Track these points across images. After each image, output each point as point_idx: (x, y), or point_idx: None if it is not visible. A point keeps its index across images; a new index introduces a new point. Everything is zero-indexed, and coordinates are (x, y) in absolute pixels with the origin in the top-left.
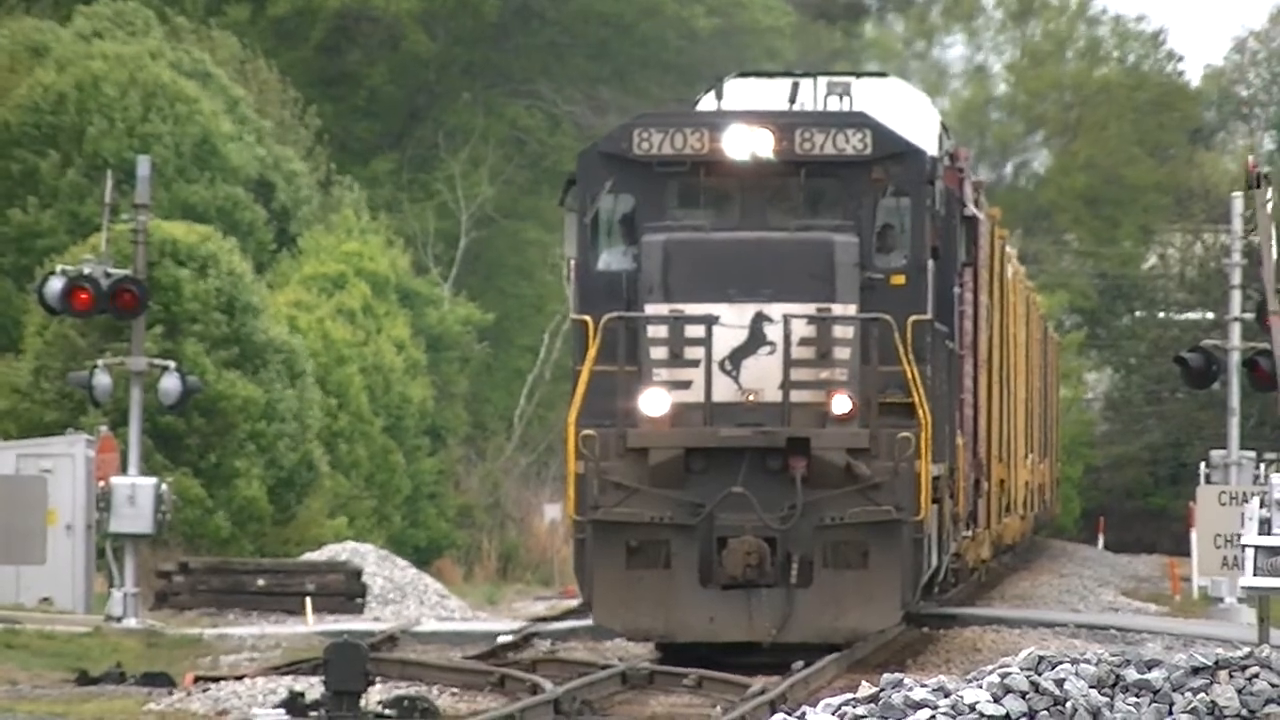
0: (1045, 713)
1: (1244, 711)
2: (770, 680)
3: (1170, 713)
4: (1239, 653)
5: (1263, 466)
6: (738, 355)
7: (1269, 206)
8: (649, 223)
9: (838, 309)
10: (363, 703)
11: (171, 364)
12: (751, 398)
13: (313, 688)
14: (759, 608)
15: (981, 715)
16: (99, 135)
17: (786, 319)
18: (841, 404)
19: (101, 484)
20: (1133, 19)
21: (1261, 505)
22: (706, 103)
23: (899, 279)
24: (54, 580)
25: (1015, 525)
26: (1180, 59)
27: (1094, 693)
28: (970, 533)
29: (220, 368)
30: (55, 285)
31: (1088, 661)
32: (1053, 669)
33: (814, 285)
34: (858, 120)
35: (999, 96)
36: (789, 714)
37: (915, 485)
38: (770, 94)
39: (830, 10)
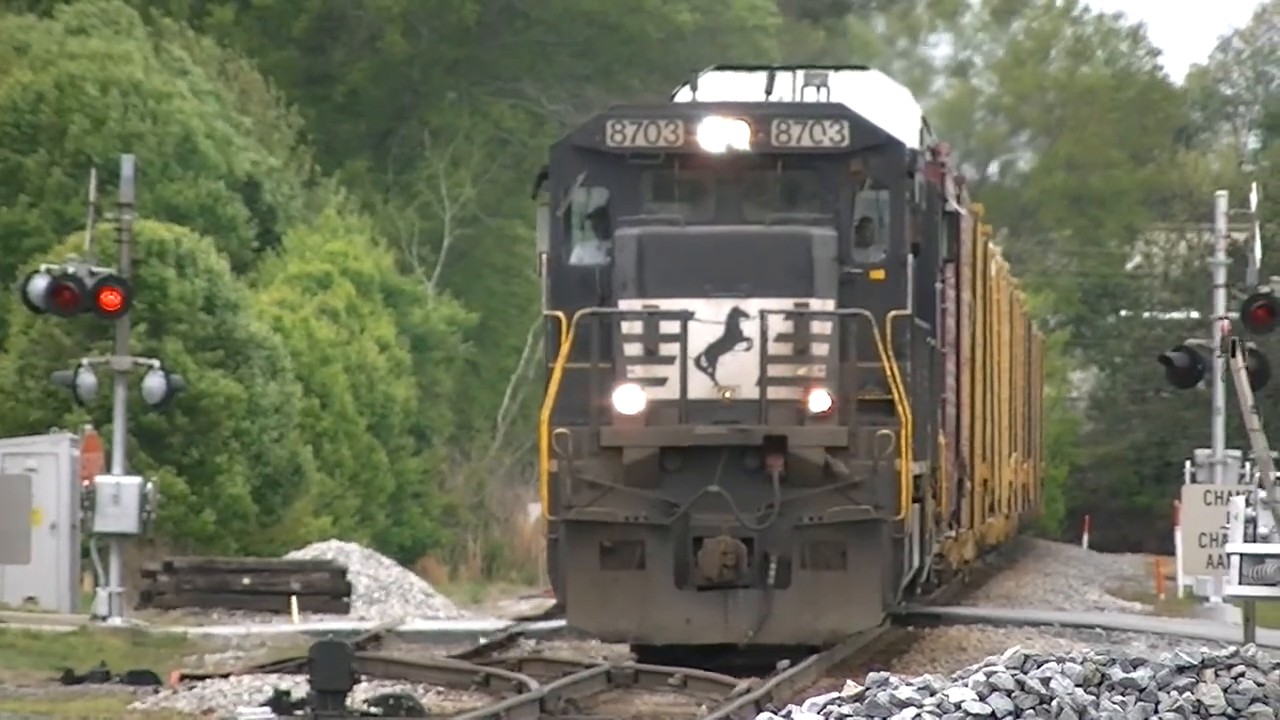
0: (1031, 711)
1: (1229, 710)
2: (754, 680)
3: (1156, 712)
4: (1224, 651)
5: (1248, 465)
6: (714, 352)
7: (1242, 373)
8: (623, 216)
9: (816, 304)
10: (348, 701)
11: (156, 363)
12: (728, 395)
13: (298, 686)
14: (736, 609)
15: (967, 714)
16: (81, 134)
17: (763, 314)
18: (820, 401)
19: (86, 483)
20: (1112, 16)
21: (1247, 504)
22: (683, 96)
23: (878, 274)
24: (39, 579)
25: (999, 525)
26: (1159, 53)
27: (1079, 691)
28: (953, 533)
29: (203, 366)
30: (39, 284)
31: (1073, 660)
32: (1038, 668)
33: (791, 280)
34: (835, 112)
35: (983, 96)
36: (774, 713)
37: (895, 484)
38: (746, 87)
39: (814, 8)
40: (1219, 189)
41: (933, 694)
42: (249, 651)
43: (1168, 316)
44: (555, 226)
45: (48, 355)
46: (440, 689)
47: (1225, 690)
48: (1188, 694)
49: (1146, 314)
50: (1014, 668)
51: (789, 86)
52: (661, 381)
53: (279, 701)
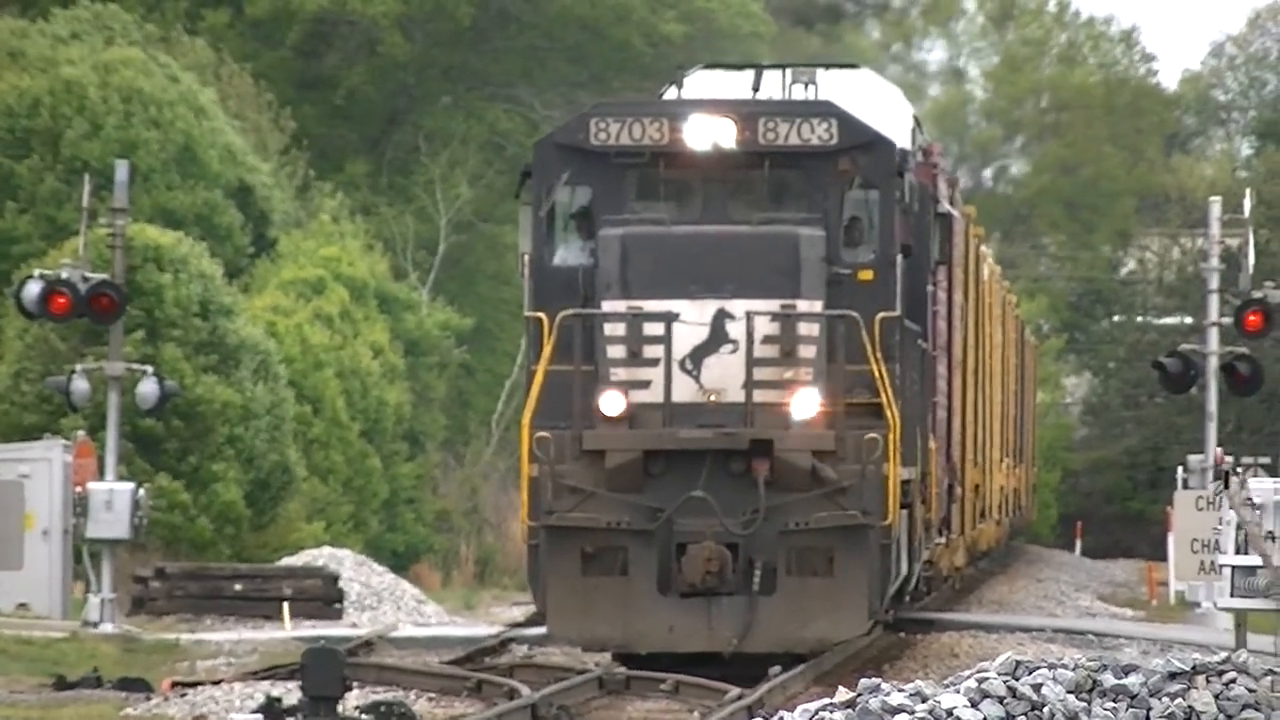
0: (1023, 718)
1: (1221, 717)
2: (745, 690)
3: (1148, 718)
4: (1216, 658)
5: (1240, 471)
6: (699, 354)
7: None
8: (607, 216)
9: (803, 305)
10: (340, 708)
11: (149, 368)
12: (713, 398)
13: (290, 693)
14: (720, 617)
15: None
16: (79, 139)
17: (749, 316)
18: (806, 404)
19: (79, 489)
20: (1103, 20)
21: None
22: (669, 95)
23: (867, 274)
24: (31, 585)
25: (991, 531)
26: (1153, 59)
27: (1071, 698)
28: (943, 539)
29: (199, 372)
30: (33, 289)
31: (1065, 666)
32: (1030, 674)
33: (778, 281)
34: (824, 109)
35: (977, 101)
36: (766, 719)
37: (883, 489)
38: (733, 85)
39: (808, 15)
40: (1212, 194)
41: (924, 700)
42: (241, 658)
43: (1161, 322)
44: (538, 226)
45: (42, 360)
46: (432, 695)
47: (1217, 696)
48: (1180, 700)
49: (1140, 319)
50: (1006, 674)
51: (777, 84)
52: (645, 384)
53: (270, 708)
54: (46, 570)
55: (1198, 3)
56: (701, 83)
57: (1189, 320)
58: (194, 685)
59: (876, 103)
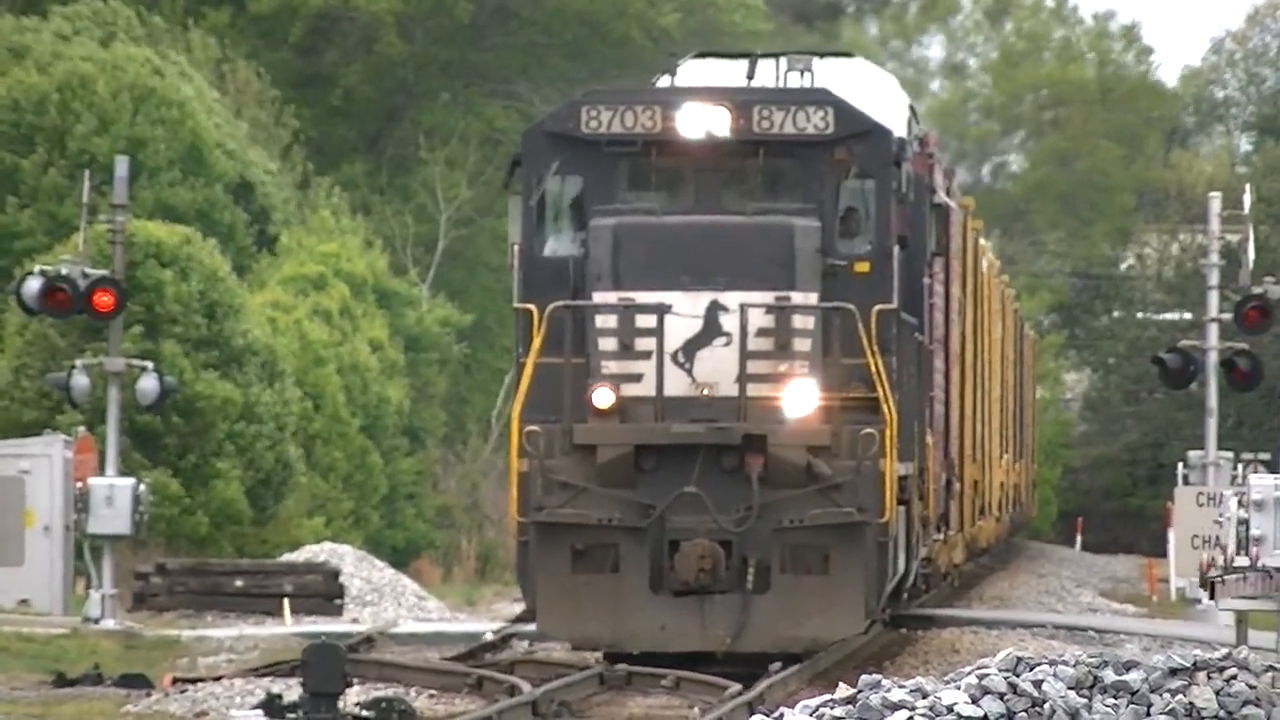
0: (1024, 714)
1: (1222, 713)
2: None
3: (1148, 714)
4: (1217, 654)
5: (1240, 467)
6: (691, 347)
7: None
8: (598, 206)
9: (797, 297)
10: (341, 704)
11: (149, 364)
12: (706, 392)
13: (291, 689)
14: (713, 615)
15: (959, 717)
16: (88, 134)
17: (743, 308)
18: (801, 399)
19: (79, 485)
20: (1103, 16)
21: (1239, 506)
22: (663, 85)
23: (863, 266)
24: (31, 582)
25: (990, 528)
26: (1151, 52)
27: (1072, 694)
28: (941, 536)
29: (199, 369)
30: (33, 285)
31: (1066, 663)
32: (1031, 670)
33: (772, 272)
34: (819, 97)
35: (976, 97)
36: (766, 715)
37: (880, 485)
38: (727, 74)
39: (807, 11)
40: (1212, 190)
41: (925, 696)
42: (242, 654)
43: (1161, 318)
44: (527, 216)
45: (42, 356)
46: (433, 692)
47: (1218, 693)
48: (1180, 697)
49: (1140, 315)
50: (1006, 670)
51: (772, 73)
52: (637, 378)
53: (271, 704)
54: (47, 566)
55: None
56: (695, 71)
57: (1189, 316)
58: (195, 681)
59: (872, 91)
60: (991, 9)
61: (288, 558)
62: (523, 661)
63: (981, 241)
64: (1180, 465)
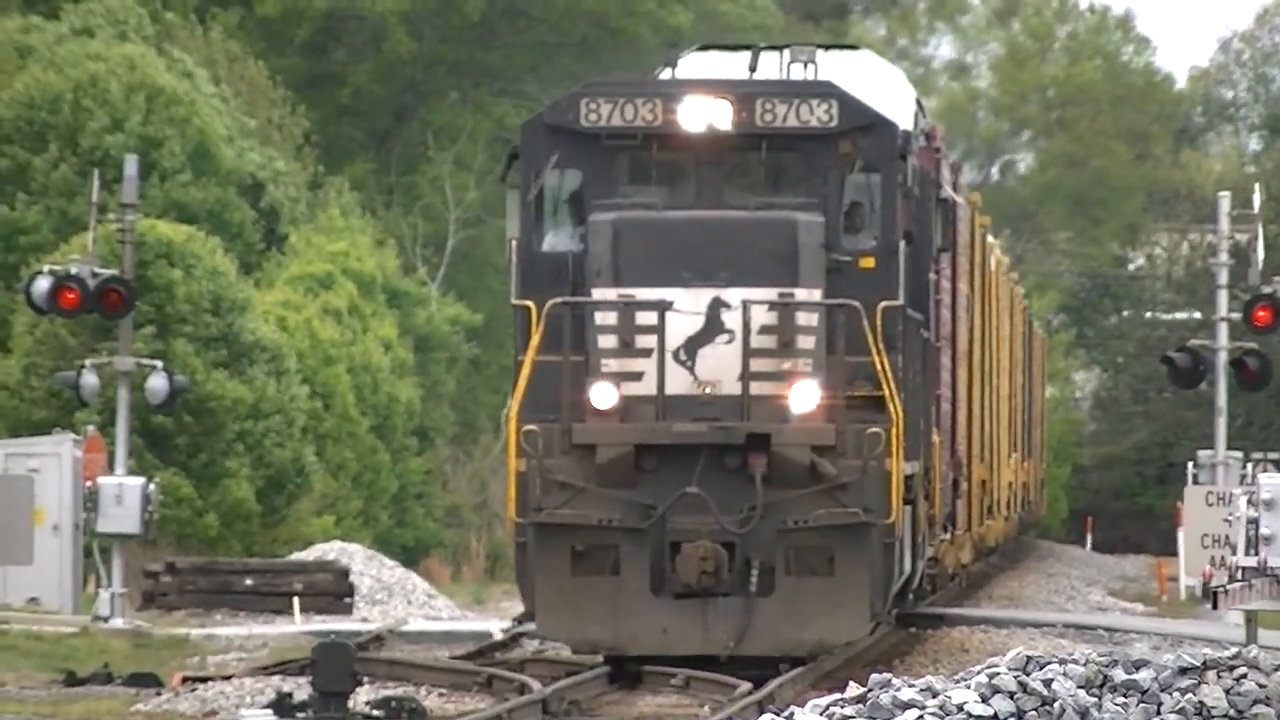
0: (1033, 713)
1: (1231, 712)
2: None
3: (1158, 713)
4: (1227, 653)
5: (1250, 466)
6: (693, 344)
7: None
8: (597, 200)
9: (801, 294)
10: (350, 703)
11: (159, 363)
12: (708, 390)
13: (300, 688)
14: (715, 618)
15: (969, 715)
16: (101, 131)
17: (746, 305)
18: (805, 397)
19: (89, 484)
20: (1100, 8)
21: (1249, 505)
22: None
23: (868, 261)
24: (41, 581)
25: (998, 527)
26: (1148, 41)
27: (1082, 693)
28: (948, 536)
29: (210, 368)
30: (42, 285)
31: (1075, 662)
32: (1040, 669)
33: (775, 268)
34: (823, 89)
35: (984, 96)
36: (777, 714)
37: (885, 485)
38: (730, 66)
39: (815, 10)
40: (1221, 190)
41: (935, 695)
42: (251, 653)
43: (1170, 317)
44: (525, 211)
45: (53, 355)
46: (442, 690)
47: (1228, 692)
48: (1190, 695)
49: (1149, 314)
50: (1016, 669)
51: (775, 65)
52: (637, 376)
53: (281, 703)
54: (57, 565)
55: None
56: (697, 63)
57: (1198, 315)
58: (204, 680)
59: (877, 84)
60: (1000, 8)
61: (297, 556)
62: (533, 660)
63: (989, 238)
64: (1190, 465)
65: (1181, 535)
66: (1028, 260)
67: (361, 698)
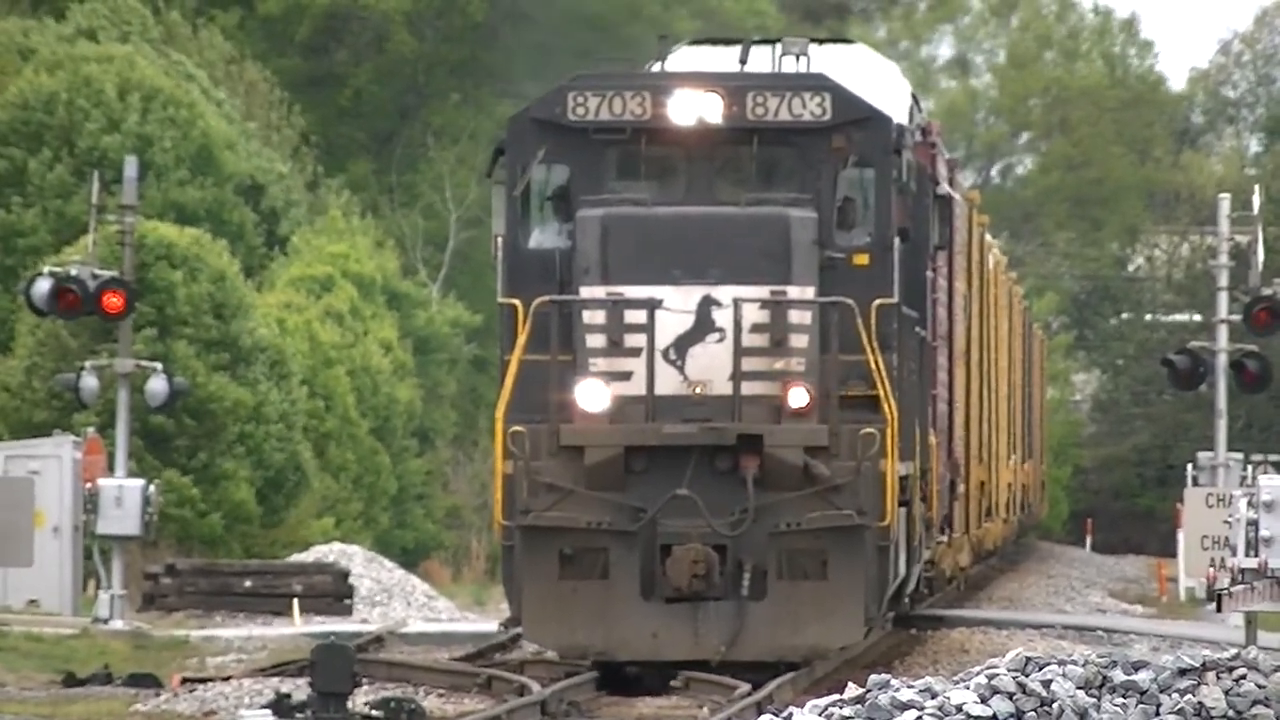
0: (1033, 714)
1: (1231, 713)
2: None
3: (1157, 714)
4: (1226, 654)
5: (1250, 468)
6: (683, 343)
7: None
8: (585, 196)
9: (794, 292)
10: (349, 704)
11: (158, 365)
12: (698, 390)
13: (299, 689)
14: (706, 623)
15: (968, 716)
16: (98, 132)
17: (737, 303)
18: (798, 397)
19: (89, 485)
20: (1103, 9)
21: (1249, 507)
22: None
23: (862, 258)
24: (41, 582)
25: (997, 529)
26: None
27: (1081, 694)
28: (945, 538)
29: (210, 370)
30: (42, 286)
31: (1075, 663)
32: (1040, 670)
33: (767, 265)
34: (816, 83)
35: (984, 98)
36: (775, 715)
37: (880, 487)
38: (720, 60)
39: (816, 11)
40: (1221, 191)
41: (934, 696)
42: (251, 654)
43: (1170, 319)
44: (511, 206)
45: (54, 357)
46: (442, 691)
47: (1227, 693)
48: (1189, 696)
49: (1149, 316)
50: (1015, 670)
51: (766, 59)
52: (626, 375)
53: (280, 704)
54: (57, 567)
55: (1206, 1)
56: (687, 57)
57: (1198, 317)
58: (204, 681)
59: (872, 78)
60: (998, 5)
61: (297, 558)
62: (532, 661)
63: (988, 237)
64: (1190, 466)
65: (1181, 537)
66: (1028, 262)
67: (360, 699)
